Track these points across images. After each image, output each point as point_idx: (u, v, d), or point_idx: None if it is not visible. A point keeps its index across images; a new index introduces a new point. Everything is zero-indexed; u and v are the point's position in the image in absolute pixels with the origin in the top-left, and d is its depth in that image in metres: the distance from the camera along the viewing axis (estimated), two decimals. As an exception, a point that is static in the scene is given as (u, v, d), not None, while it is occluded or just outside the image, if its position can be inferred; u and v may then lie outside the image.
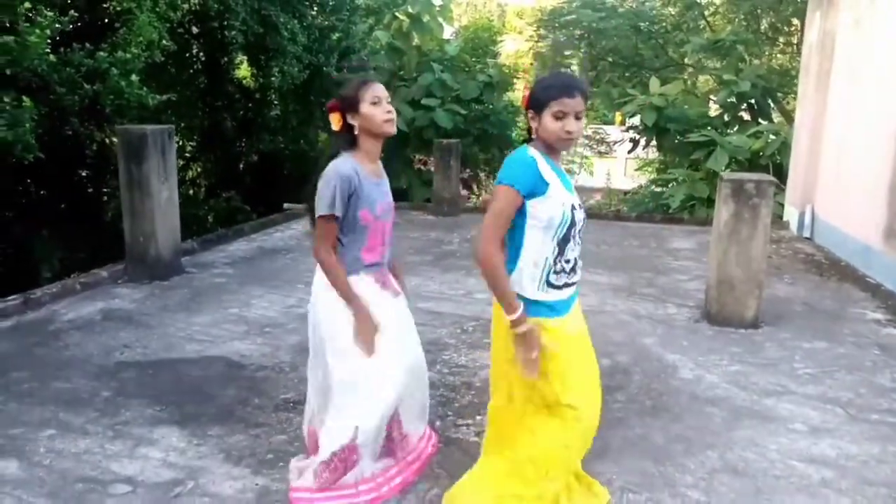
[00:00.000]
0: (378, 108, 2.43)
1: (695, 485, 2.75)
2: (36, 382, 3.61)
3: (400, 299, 2.65)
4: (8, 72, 5.14)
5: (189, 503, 2.58)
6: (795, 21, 13.92)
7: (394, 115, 2.47)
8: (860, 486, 2.76)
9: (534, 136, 2.22)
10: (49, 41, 5.36)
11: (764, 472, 2.85)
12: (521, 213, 2.16)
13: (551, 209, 2.14)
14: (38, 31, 5.15)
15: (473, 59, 14.61)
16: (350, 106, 2.43)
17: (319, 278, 2.51)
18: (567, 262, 2.21)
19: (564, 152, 2.38)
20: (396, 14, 12.63)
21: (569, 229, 2.18)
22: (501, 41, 17.60)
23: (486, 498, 2.31)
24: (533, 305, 2.18)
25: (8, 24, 5.21)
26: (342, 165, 2.40)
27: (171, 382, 3.65)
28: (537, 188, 2.13)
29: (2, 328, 4.43)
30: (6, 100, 5.16)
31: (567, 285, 2.24)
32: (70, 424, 3.17)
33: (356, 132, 2.46)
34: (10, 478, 2.73)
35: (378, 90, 2.44)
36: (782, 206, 8.64)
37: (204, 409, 3.34)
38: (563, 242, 2.18)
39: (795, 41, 14.32)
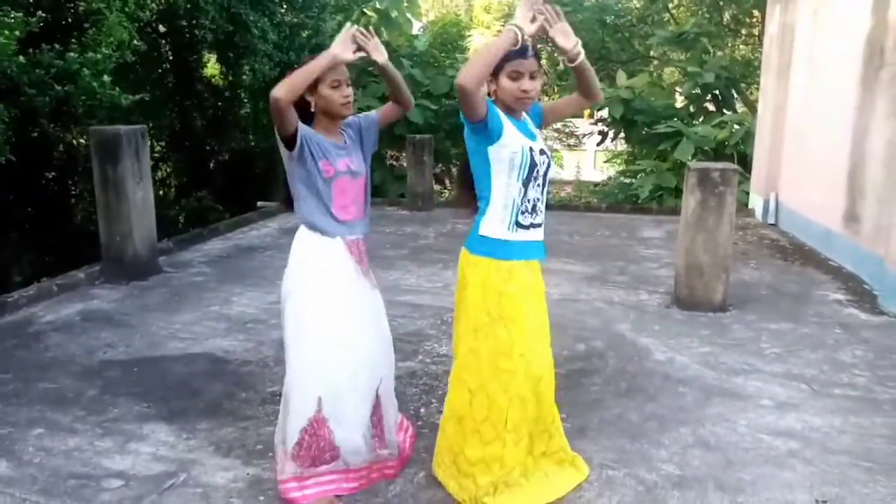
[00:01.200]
0: (337, 92, 2.49)
1: (669, 459, 2.89)
2: (20, 383, 3.62)
3: (375, 293, 2.70)
4: (-24, 74, 5.10)
5: (182, 493, 2.64)
6: (756, 13, 14.24)
7: (351, 99, 2.55)
8: (824, 455, 2.92)
9: (493, 99, 2.41)
10: (17, 42, 5.31)
11: (734, 446, 3.00)
12: (486, 161, 2.36)
13: (509, 150, 2.33)
14: (6, 32, 5.11)
15: (442, 55, 14.67)
16: (311, 84, 2.46)
17: (292, 255, 2.58)
18: (528, 201, 2.41)
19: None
20: (364, 10, 12.64)
21: (530, 170, 2.37)
22: (469, 36, 17.68)
23: (460, 464, 2.51)
24: (499, 246, 2.39)
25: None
26: None
27: (156, 379, 3.69)
28: (494, 127, 2.31)
29: (-20, 332, 4.42)
30: (-24, 102, 5.12)
31: (533, 225, 2.44)
32: (58, 423, 3.20)
33: (312, 109, 2.52)
34: (2, 476, 2.76)
35: (340, 73, 2.49)
36: (748, 194, 8.88)
37: (191, 405, 3.39)
38: (526, 182, 2.38)
39: (757, 32, 14.66)
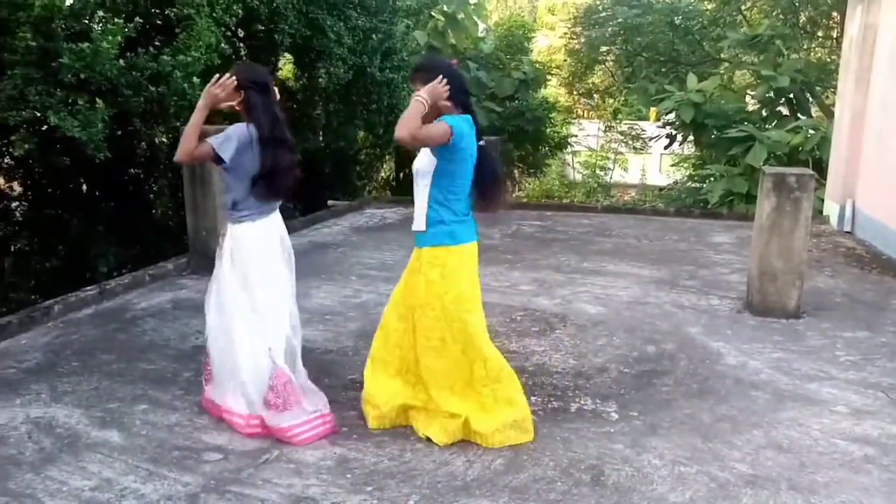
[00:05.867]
0: None
1: (742, 459, 2.93)
2: (122, 364, 3.92)
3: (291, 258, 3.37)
4: (82, 76, 5.48)
5: (276, 468, 2.85)
6: (835, 14, 13.81)
7: None
8: (901, 463, 2.91)
9: None
10: (117, 47, 5.69)
11: (808, 449, 3.02)
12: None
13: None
14: (109, 37, 5.49)
15: (507, 57, 14.77)
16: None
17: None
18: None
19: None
20: (433, 14, 12.87)
21: None
22: (534, 37, 17.71)
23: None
24: (445, 235, 3.00)
25: (74, 32, 5.59)
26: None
27: (245, 364, 3.92)
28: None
29: (83, 316, 4.77)
30: (80, 102, 5.52)
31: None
32: (159, 400, 3.47)
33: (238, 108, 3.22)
34: (116, 445, 3.02)
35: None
36: (822, 200, 8.66)
37: (279, 389, 3.60)
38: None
39: (835, 35, 14.21)
